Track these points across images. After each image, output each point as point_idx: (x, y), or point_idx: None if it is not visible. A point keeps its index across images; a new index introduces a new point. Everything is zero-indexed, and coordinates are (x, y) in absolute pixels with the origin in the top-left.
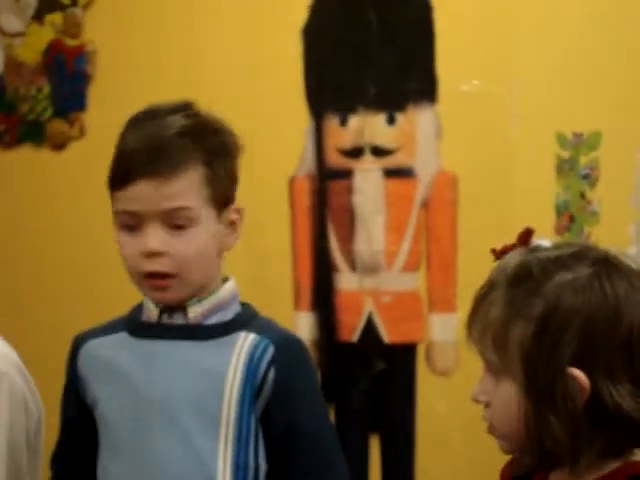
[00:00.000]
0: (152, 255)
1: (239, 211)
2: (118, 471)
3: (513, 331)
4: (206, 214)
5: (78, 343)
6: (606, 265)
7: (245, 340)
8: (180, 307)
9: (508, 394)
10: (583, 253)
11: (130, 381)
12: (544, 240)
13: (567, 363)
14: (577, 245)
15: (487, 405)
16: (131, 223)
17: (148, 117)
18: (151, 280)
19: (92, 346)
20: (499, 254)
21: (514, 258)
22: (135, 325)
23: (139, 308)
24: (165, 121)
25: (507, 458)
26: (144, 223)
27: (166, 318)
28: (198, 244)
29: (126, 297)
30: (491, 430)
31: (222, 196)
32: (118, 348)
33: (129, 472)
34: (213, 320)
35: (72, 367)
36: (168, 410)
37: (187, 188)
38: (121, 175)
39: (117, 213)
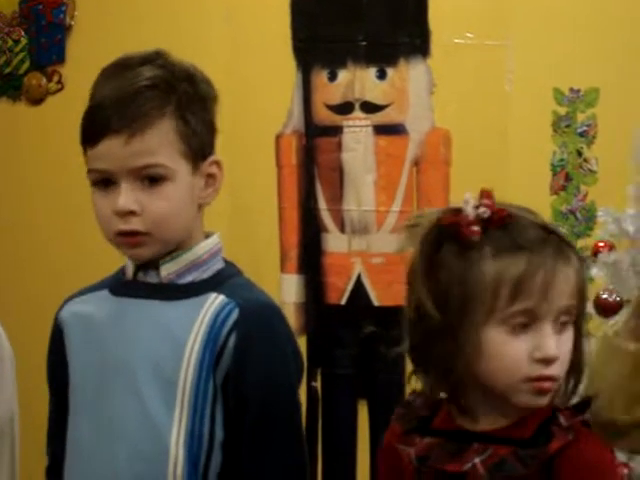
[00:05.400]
0: (125, 214)
1: (218, 164)
2: (79, 432)
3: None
4: (181, 169)
5: (64, 302)
6: None
7: (213, 302)
8: (154, 265)
9: (571, 340)
10: None
11: (100, 339)
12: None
13: None
14: None
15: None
16: (104, 181)
17: (118, 69)
18: (123, 237)
19: (75, 302)
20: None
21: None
22: (116, 283)
23: (124, 266)
24: (135, 72)
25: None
26: (117, 181)
27: (141, 276)
28: (173, 201)
29: (106, 254)
30: (552, 386)
31: (198, 148)
32: (97, 305)
33: (88, 431)
34: (189, 279)
35: (55, 323)
36: (129, 371)
37: (158, 143)
38: (91, 131)
39: (90, 171)
